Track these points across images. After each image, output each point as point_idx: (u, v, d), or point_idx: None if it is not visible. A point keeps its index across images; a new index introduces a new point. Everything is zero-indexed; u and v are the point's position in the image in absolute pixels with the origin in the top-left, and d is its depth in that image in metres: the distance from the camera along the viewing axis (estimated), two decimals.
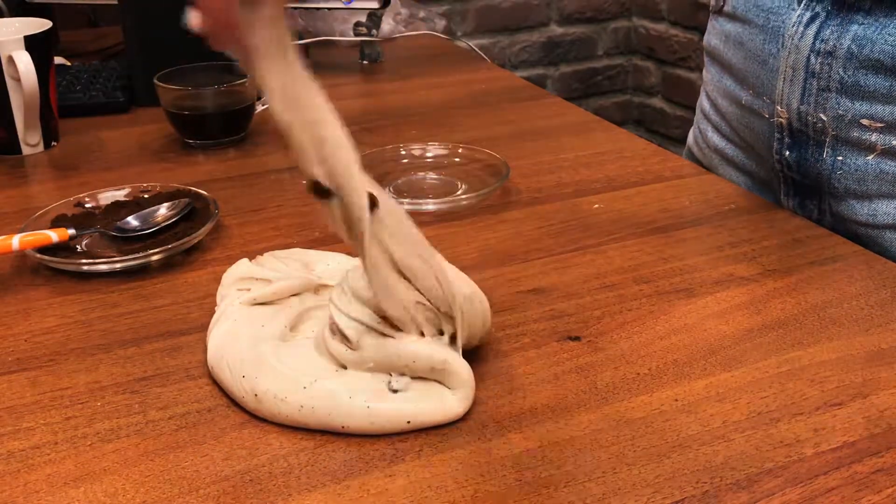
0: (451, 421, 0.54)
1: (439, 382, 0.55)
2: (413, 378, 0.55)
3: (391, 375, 0.55)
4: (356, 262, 0.67)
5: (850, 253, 0.74)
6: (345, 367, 0.56)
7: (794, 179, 0.83)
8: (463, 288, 0.57)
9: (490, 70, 1.33)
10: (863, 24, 0.73)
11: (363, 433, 0.54)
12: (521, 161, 0.93)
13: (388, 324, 0.55)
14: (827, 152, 0.78)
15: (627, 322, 0.65)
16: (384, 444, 0.53)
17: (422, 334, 0.55)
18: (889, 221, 0.76)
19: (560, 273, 0.72)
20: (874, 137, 0.75)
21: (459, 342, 0.56)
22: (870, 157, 0.76)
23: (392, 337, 0.55)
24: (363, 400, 0.54)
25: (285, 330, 0.59)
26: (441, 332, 0.56)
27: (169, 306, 0.68)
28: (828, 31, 0.75)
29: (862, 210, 0.78)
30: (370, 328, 0.55)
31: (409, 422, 0.54)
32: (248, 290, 0.64)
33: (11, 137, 0.98)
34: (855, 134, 0.76)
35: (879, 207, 0.77)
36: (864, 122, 0.75)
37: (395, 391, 0.54)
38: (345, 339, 0.55)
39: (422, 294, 0.55)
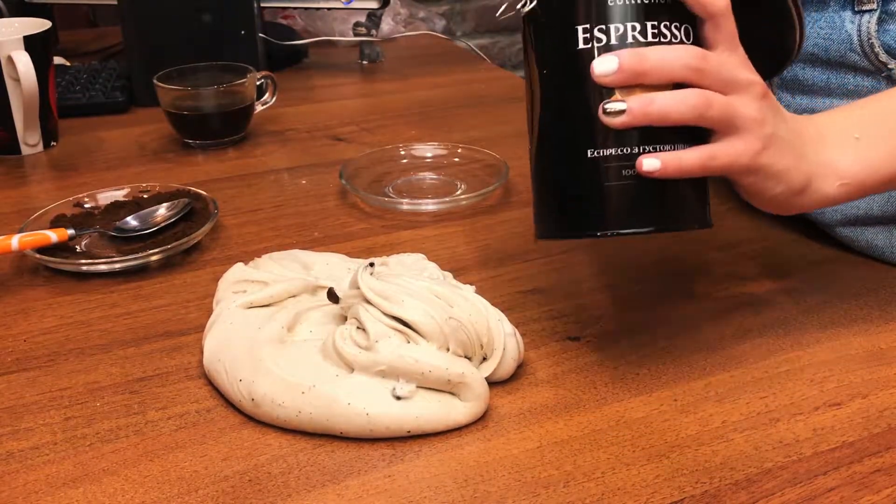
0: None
1: (451, 394, 0.55)
2: (421, 387, 0.54)
3: (398, 381, 0.54)
4: (356, 262, 0.67)
5: (849, 253, 0.74)
6: (350, 371, 0.54)
7: None
8: (506, 326, 0.57)
9: (490, 70, 1.32)
10: None
11: (362, 439, 0.53)
12: (520, 161, 0.92)
13: (415, 331, 0.55)
14: None
15: (627, 322, 0.65)
16: (384, 445, 0.53)
17: (447, 350, 0.55)
18: (838, 218, 0.75)
19: (560, 273, 0.72)
20: None
21: (490, 366, 0.56)
22: None
23: (416, 343, 0.54)
24: (362, 406, 0.53)
25: (283, 331, 0.58)
26: (468, 359, 0.56)
27: (168, 306, 0.68)
28: None
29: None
30: (396, 331, 0.54)
31: (408, 431, 0.53)
32: (245, 292, 0.63)
33: (11, 137, 0.98)
34: None
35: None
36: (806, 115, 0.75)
37: (398, 398, 0.53)
38: (362, 337, 0.55)
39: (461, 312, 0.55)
